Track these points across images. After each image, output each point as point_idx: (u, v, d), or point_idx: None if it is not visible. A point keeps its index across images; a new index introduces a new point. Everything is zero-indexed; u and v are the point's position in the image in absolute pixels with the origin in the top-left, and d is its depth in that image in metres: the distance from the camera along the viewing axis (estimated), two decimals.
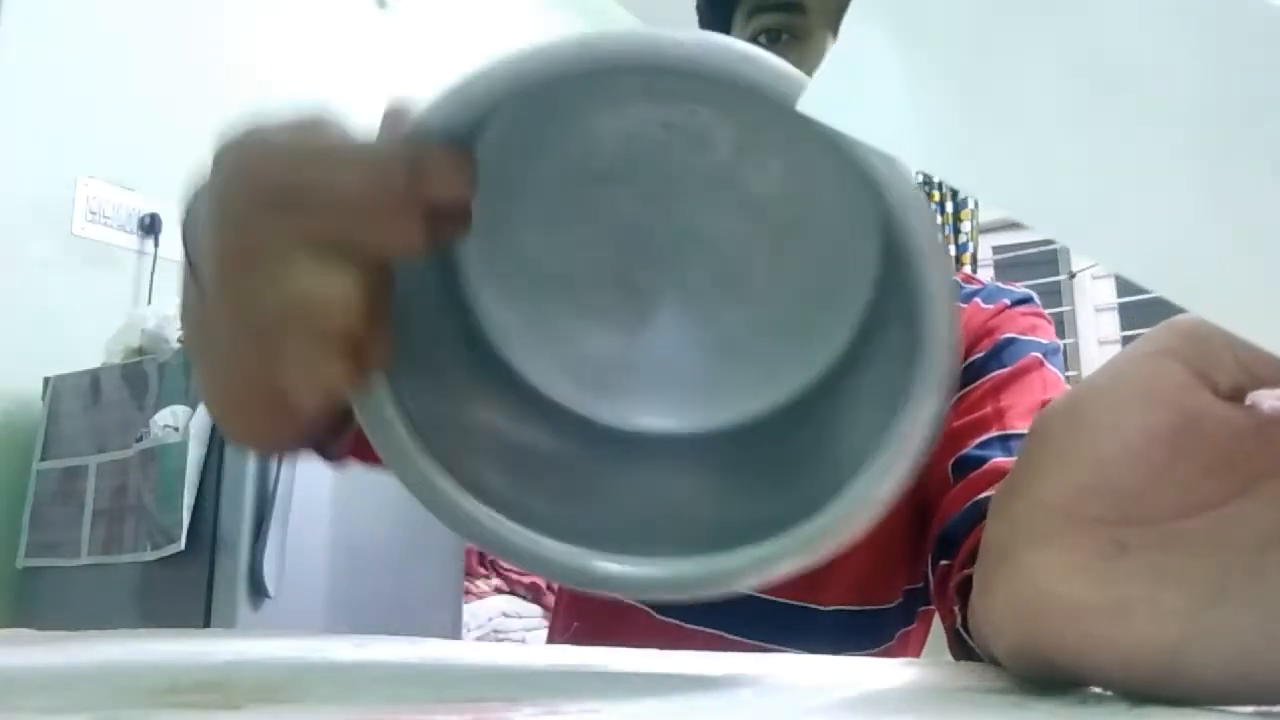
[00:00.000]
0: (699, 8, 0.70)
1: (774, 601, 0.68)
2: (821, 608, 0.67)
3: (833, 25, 0.61)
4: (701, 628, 0.68)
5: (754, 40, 0.64)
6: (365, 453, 0.43)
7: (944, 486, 0.60)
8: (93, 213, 2.09)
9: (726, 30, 0.67)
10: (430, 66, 2.82)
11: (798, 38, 0.62)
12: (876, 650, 0.68)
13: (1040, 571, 0.20)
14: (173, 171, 2.34)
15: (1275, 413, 0.17)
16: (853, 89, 0.23)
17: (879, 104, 0.22)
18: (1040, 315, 0.68)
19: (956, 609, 0.47)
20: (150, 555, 1.60)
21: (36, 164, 1.99)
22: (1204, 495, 0.17)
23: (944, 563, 0.55)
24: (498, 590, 2.35)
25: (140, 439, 1.64)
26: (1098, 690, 0.28)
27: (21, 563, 1.81)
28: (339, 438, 0.41)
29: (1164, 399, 0.19)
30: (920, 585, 0.71)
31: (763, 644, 0.67)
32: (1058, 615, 0.20)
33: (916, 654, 0.74)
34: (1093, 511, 0.19)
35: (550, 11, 3.17)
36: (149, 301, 2.10)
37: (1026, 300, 0.69)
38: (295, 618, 1.59)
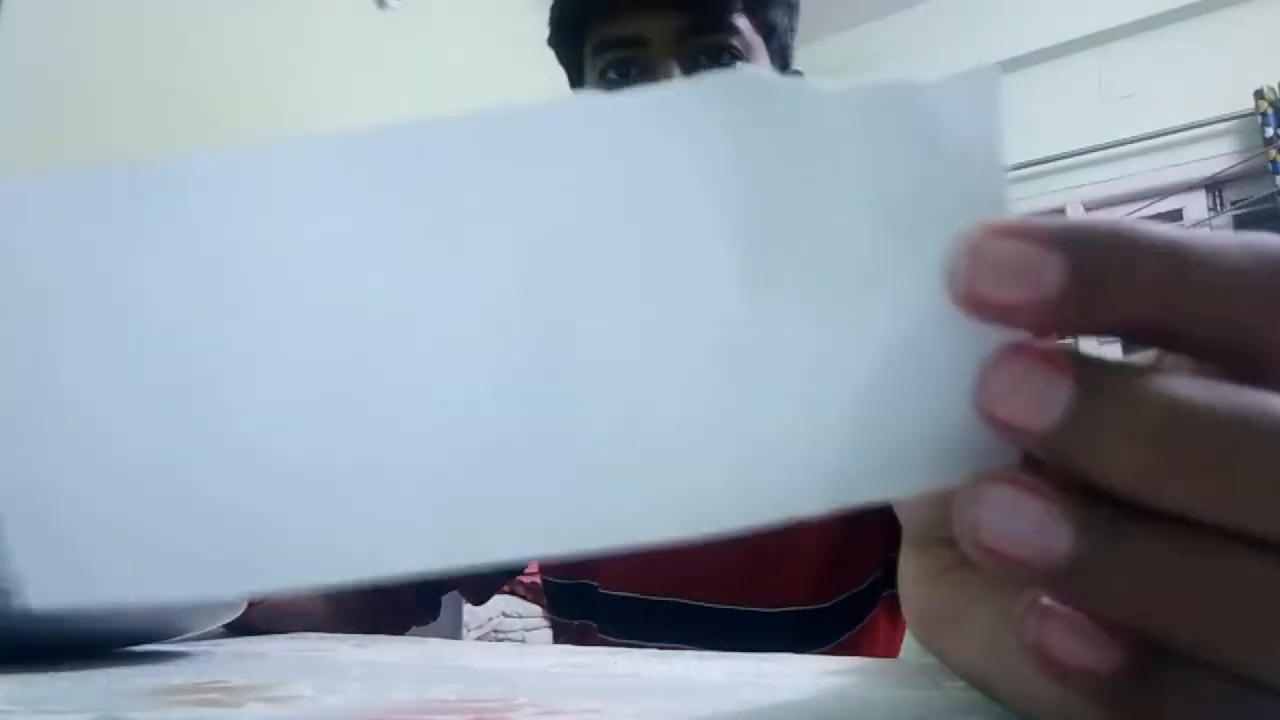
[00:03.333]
0: (552, 44, 0.72)
1: (715, 609, 0.67)
2: (763, 610, 0.67)
3: (675, 55, 0.63)
4: (647, 643, 0.68)
5: (603, 75, 0.65)
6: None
7: None
8: None
9: (579, 66, 0.69)
10: (430, 66, 2.81)
11: (645, 69, 0.64)
12: (826, 650, 0.68)
13: (906, 579, 0.22)
14: None
15: None
16: (63, 554, 0.14)
17: (108, 552, 0.14)
18: None
19: None
20: None
21: (37, 164, 1.99)
22: None
23: None
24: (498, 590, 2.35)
25: None
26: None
27: None
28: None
29: None
30: (867, 585, 0.70)
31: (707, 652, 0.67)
32: (913, 619, 0.22)
33: (892, 649, 0.74)
34: (942, 532, 0.20)
35: (548, 10, 3.16)
36: None
37: None
38: None
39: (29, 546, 0.14)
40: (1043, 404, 0.13)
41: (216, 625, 0.41)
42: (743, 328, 0.14)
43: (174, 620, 0.37)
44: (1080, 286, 0.13)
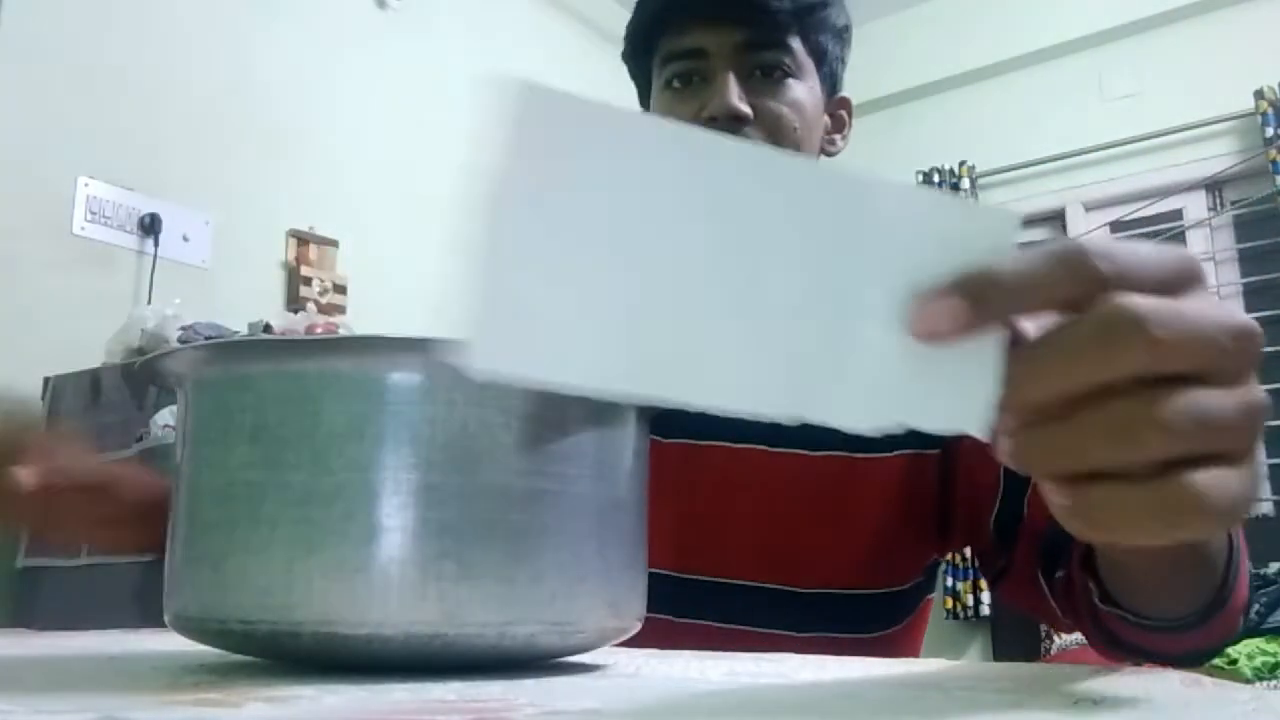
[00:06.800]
0: (625, 58, 0.80)
1: (752, 586, 0.69)
2: (802, 590, 0.68)
3: (733, 66, 0.71)
4: (677, 618, 0.69)
5: (668, 84, 0.75)
6: None
7: (993, 491, 0.64)
8: (93, 213, 2.09)
9: (648, 78, 0.77)
10: (430, 66, 2.81)
11: (705, 79, 0.72)
12: (866, 636, 0.69)
13: None
14: (173, 171, 2.33)
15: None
16: (514, 336, 0.23)
17: (544, 343, 0.24)
18: None
19: (1091, 584, 0.49)
20: (150, 555, 1.60)
21: (36, 164, 1.99)
22: None
23: (1060, 574, 0.56)
24: None
25: (140, 439, 1.63)
26: (1095, 697, 0.28)
27: (21, 562, 1.81)
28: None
29: None
30: (910, 586, 0.71)
31: (749, 628, 0.67)
32: None
33: (915, 653, 0.74)
34: None
35: (548, 11, 3.16)
36: (149, 301, 2.09)
37: None
38: None
39: (485, 318, 0.23)
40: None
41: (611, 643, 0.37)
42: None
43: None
44: (969, 317, 0.26)
